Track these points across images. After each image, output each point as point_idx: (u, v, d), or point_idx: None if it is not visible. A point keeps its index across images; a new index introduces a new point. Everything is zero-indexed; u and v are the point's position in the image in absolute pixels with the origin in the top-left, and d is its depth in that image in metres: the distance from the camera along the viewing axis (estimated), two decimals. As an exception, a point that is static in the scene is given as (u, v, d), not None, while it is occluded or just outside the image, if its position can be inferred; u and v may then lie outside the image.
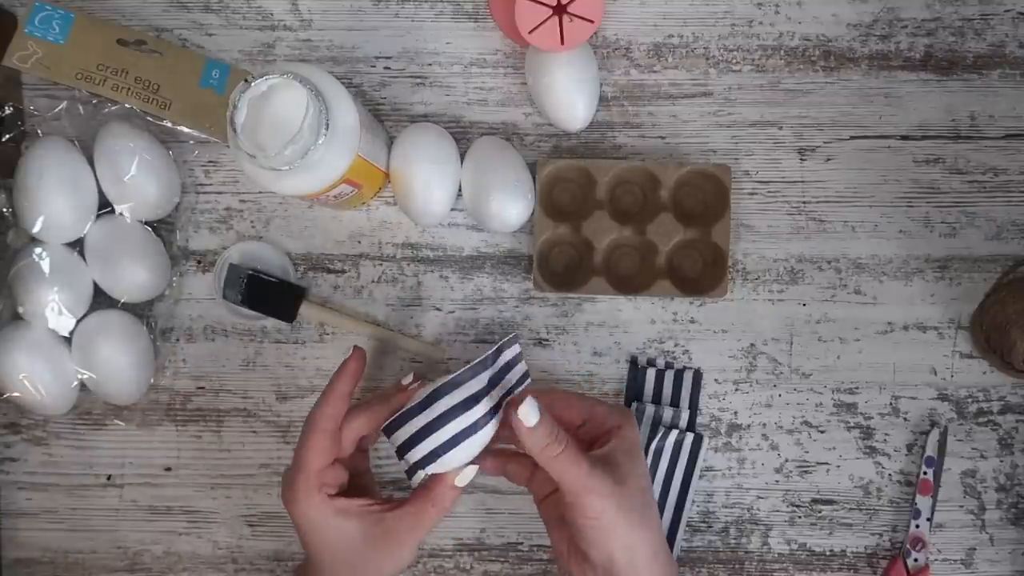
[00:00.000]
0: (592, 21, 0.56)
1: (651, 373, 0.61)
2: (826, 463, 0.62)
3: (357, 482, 0.55)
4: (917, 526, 0.60)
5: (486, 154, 0.60)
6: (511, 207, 0.59)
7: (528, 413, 0.47)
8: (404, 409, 0.50)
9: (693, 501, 0.61)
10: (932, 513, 0.60)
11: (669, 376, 0.61)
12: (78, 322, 0.59)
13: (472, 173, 0.60)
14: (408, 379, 0.55)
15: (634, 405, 0.61)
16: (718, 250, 0.60)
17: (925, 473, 0.60)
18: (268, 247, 0.62)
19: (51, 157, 0.58)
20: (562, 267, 0.62)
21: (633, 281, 0.61)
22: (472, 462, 0.51)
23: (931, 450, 0.60)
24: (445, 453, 0.49)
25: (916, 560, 0.60)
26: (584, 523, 0.48)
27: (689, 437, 0.60)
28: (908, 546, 0.60)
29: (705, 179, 0.60)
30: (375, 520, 0.52)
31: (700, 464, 0.61)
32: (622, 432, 0.51)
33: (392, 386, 0.56)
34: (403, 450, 0.50)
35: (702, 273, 0.62)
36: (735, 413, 0.62)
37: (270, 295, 0.61)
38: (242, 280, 0.60)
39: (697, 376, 0.61)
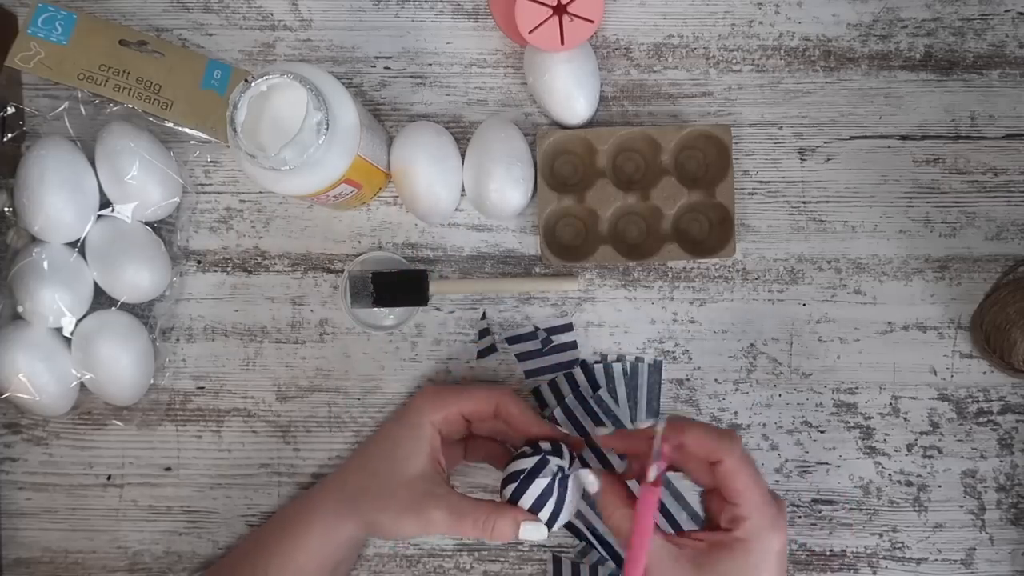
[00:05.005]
0: (592, 21, 0.56)
1: (599, 368, 0.61)
2: (826, 463, 0.61)
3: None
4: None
5: (488, 137, 0.60)
6: (511, 191, 0.59)
7: (589, 481, 0.49)
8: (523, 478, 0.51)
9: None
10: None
11: (618, 368, 0.61)
12: (78, 322, 0.59)
13: (475, 157, 0.60)
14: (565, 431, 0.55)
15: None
16: (723, 210, 0.60)
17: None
18: (375, 253, 0.62)
19: (52, 157, 0.58)
20: (569, 239, 0.62)
21: (641, 248, 0.61)
22: (552, 524, 0.52)
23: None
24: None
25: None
26: None
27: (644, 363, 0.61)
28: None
29: (706, 140, 0.61)
30: (436, 480, 0.52)
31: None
32: (748, 549, 0.45)
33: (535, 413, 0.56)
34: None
35: (709, 235, 0.62)
36: (735, 413, 0.62)
37: (397, 288, 0.60)
38: (367, 283, 0.60)
39: (656, 366, 0.61)
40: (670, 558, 0.46)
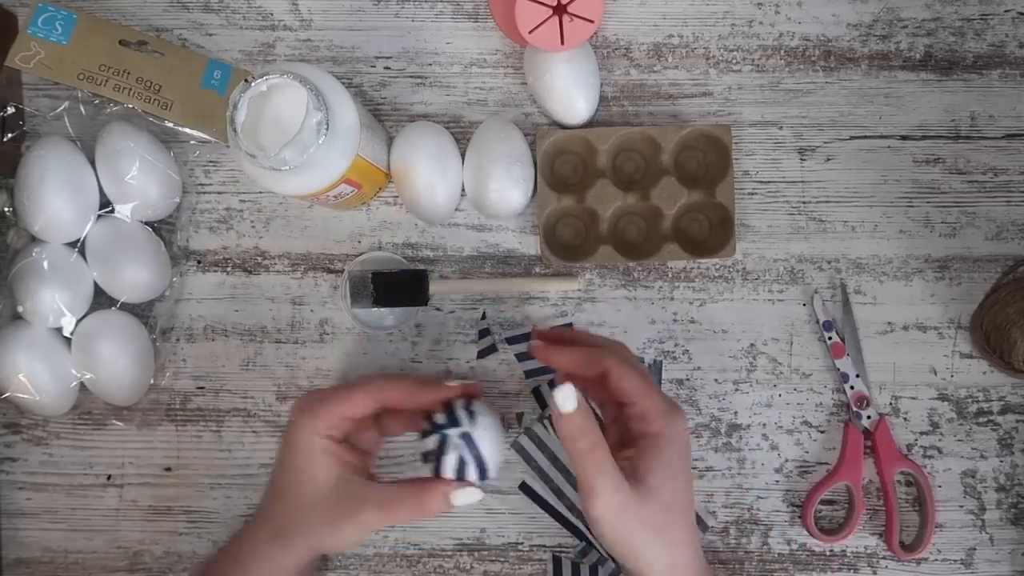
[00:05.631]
0: (592, 21, 0.56)
1: None
2: (826, 463, 0.61)
3: (362, 459, 0.54)
4: (852, 387, 0.61)
5: (488, 137, 0.60)
6: (511, 191, 0.59)
7: (565, 399, 0.46)
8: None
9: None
10: (861, 370, 0.61)
11: None
12: (78, 322, 0.59)
13: (475, 157, 0.60)
14: (455, 383, 0.52)
15: None
16: (723, 210, 0.60)
17: (830, 338, 0.61)
18: (375, 253, 0.62)
19: (52, 157, 0.58)
20: (569, 239, 0.62)
21: (641, 248, 0.61)
22: (484, 478, 0.51)
23: (823, 315, 0.61)
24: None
25: (869, 417, 0.60)
26: (597, 525, 0.47)
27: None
28: (854, 408, 0.60)
29: (706, 140, 0.61)
30: (353, 481, 0.50)
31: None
32: (665, 438, 0.48)
33: (435, 376, 0.54)
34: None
35: (709, 235, 0.62)
36: (735, 413, 0.62)
37: (397, 288, 0.60)
38: (367, 283, 0.59)
39: (656, 366, 0.61)
40: (613, 484, 0.47)
